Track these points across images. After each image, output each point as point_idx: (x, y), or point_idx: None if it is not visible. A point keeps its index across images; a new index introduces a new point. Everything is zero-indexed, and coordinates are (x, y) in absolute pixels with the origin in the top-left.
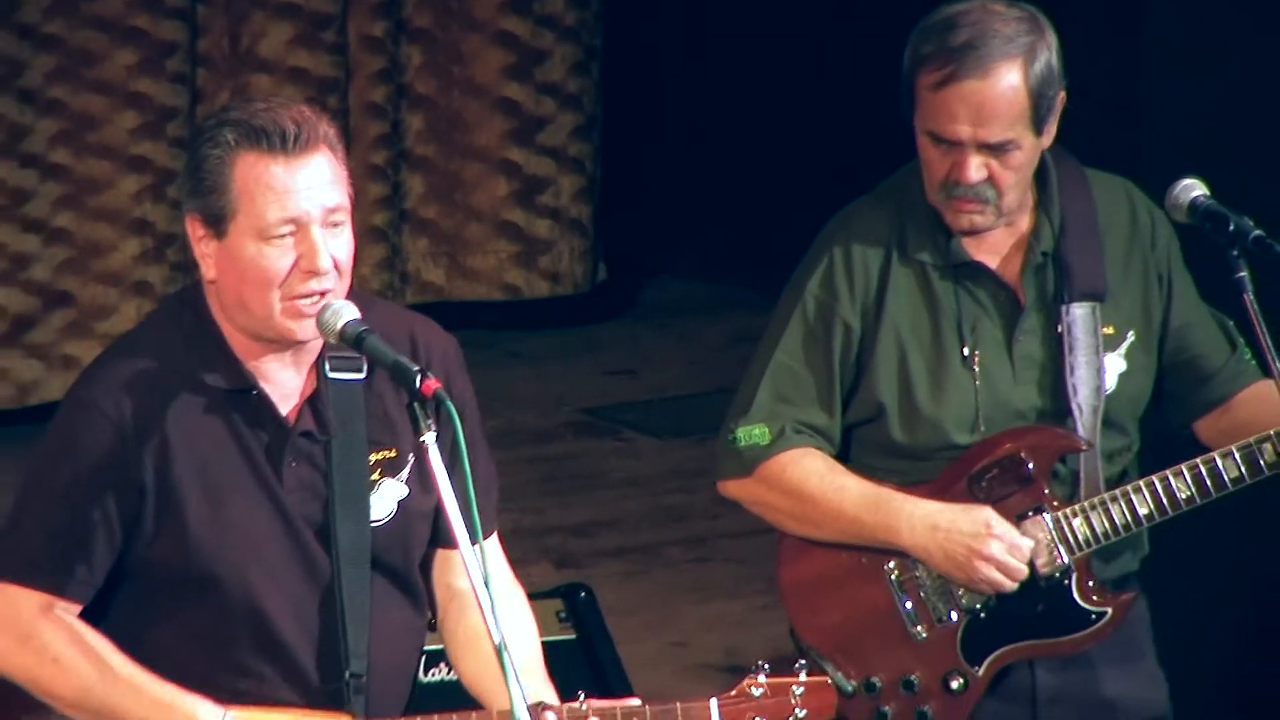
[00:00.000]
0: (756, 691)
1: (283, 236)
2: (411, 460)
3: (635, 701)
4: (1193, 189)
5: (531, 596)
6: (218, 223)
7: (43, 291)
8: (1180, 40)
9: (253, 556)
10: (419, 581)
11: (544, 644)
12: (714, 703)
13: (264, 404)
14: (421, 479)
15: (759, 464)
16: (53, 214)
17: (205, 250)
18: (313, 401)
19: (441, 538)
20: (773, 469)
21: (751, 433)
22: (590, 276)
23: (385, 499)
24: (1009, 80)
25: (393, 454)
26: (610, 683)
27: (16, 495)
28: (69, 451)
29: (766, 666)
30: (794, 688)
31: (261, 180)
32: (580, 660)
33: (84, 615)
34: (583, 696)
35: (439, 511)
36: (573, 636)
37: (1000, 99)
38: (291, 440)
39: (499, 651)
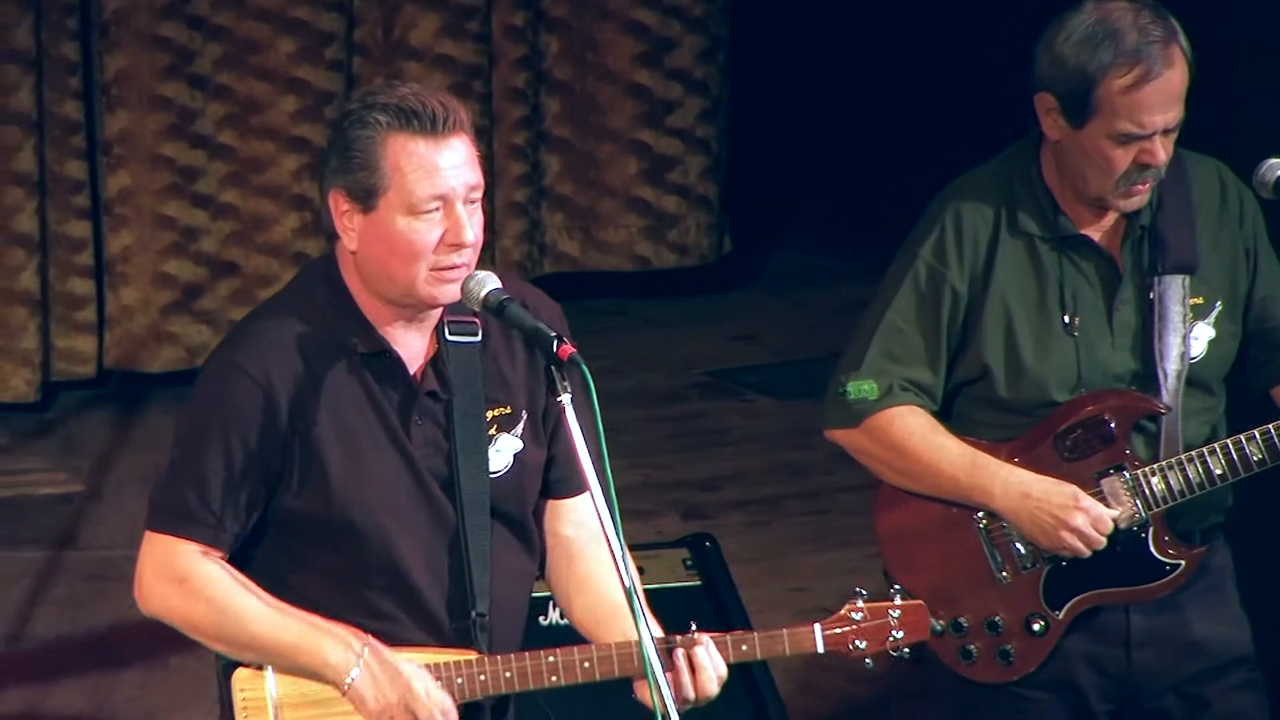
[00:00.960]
0: (857, 616)
1: (430, 212)
2: (525, 417)
3: None
4: (1278, 168)
5: (660, 546)
6: (367, 198)
7: (211, 262)
8: (1265, 27)
9: (386, 506)
10: (533, 528)
11: (672, 590)
12: (818, 627)
13: (396, 365)
14: (534, 434)
15: (866, 417)
16: (220, 190)
17: (349, 224)
18: (435, 363)
19: (551, 489)
20: (879, 422)
21: (861, 387)
22: (715, 249)
23: (503, 452)
24: (1183, 65)
25: (508, 411)
26: (734, 625)
27: (171, 452)
28: (218, 411)
29: (864, 593)
30: (891, 611)
31: (413, 159)
32: (705, 604)
33: (229, 563)
34: (694, 627)
35: (550, 464)
36: (698, 583)
37: (1182, 83)
38: (419, 399)
39: (629, 594)
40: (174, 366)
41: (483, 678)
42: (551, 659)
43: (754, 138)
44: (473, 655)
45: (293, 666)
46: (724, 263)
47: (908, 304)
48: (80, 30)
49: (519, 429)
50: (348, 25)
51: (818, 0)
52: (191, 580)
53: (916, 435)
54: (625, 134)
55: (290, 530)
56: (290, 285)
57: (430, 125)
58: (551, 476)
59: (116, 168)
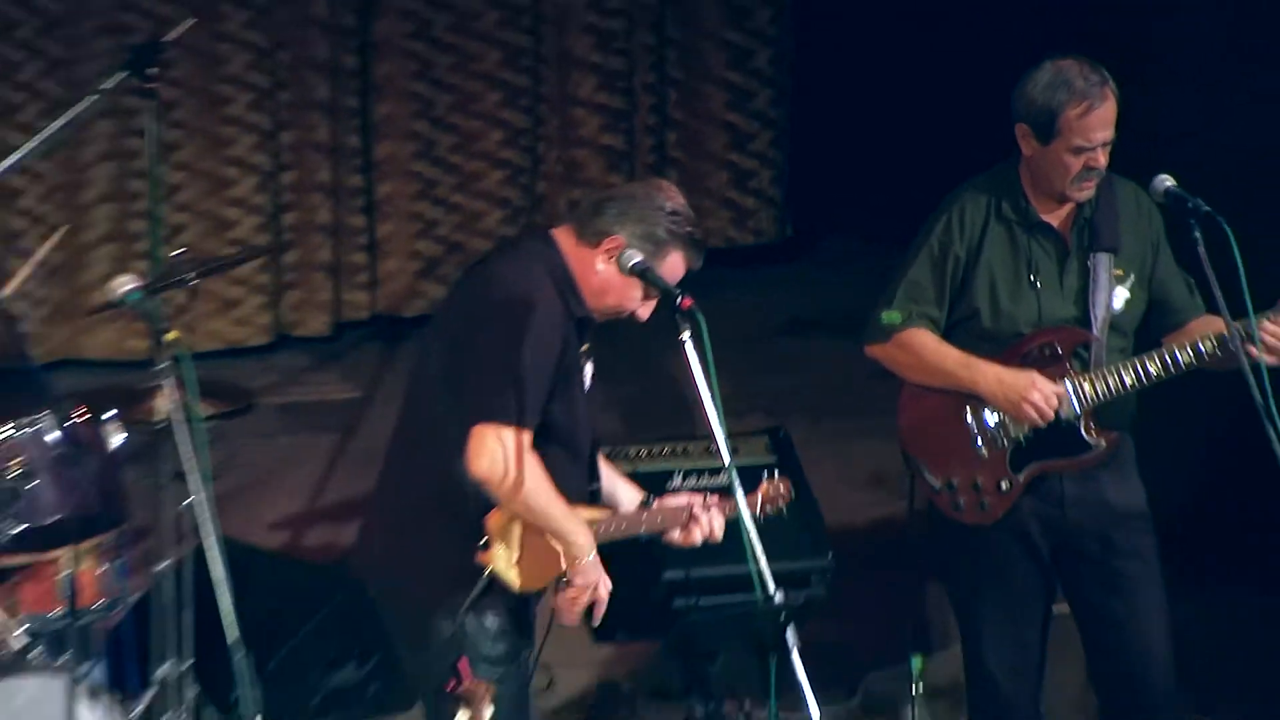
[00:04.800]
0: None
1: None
2: (590, 356)
3: (680, 500)
4: (1166, 180)
5: (751, 435)
6: (629, 263)
7: (445, 243)
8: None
9: (583, 414)
10: None
11: (758, 464)
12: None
13: (585, 327)
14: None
15: (894, 334)
16: (450, 195)
17: (603, 260)
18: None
19: None
20: (903, 339)
21: (891, 316)
22: (778, 230)
23: (587, 376)
24: (1113, 99)
25: (587, 348)
26: (799, 488)
27: (494, 366)
28: (540, 333)
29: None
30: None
31: (676, 273)
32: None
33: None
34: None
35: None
36: (775, 459)
37: (1114, 110)
38: (583, 352)
39: (730, 470)
40: (423, 312)
41: (624, 525)
42: (655, 506)
43: (815, 143)
44: (605, 512)
45: (547, 530)
46: (786, 243)
47: (925, 265)
48: (360, 88)
49: (590, 364)
50: (534, 81)
51: (880, 11)
52: (530, 458)
53: (929, 346)
54: (719, 156)
55: (541, 435)
56: (520, 254)
57: (697, 257)
58: None
59: (383, 180)
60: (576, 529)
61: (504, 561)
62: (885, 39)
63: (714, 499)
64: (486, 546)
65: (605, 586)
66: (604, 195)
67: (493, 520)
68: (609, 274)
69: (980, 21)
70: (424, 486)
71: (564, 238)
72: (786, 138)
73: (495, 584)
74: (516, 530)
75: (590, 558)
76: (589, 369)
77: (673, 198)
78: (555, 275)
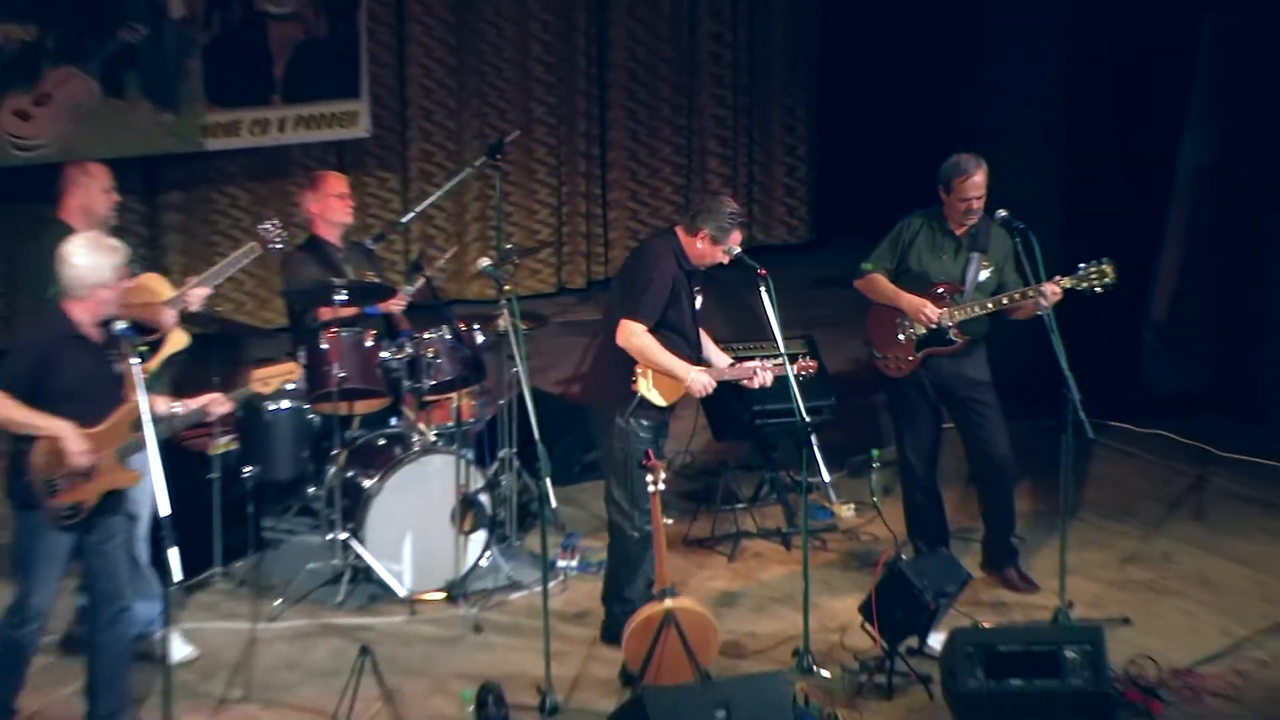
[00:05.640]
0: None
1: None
2: (699, 288)
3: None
4: (1002, 212)
5: (793, 338)
6: (714, 242)
7: (656, 215)
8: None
9: (692, 317)
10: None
11: (797, 353)
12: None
13: (697, 273)
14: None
15: (866, 276)
16: (651, 182)
17: (699, 239)
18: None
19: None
20: (871, 278)
21: (868, 265)
22: (809, 234)
23: (698, 302)
24: (985, 173)
25: (699, 289)
26: (823, 367)
27: (638, 289)
28: (659, 275)
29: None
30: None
31: (734, 241)
32: (815, 356)
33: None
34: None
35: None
36: (806, 350)
37: (985, 179)
38: (692, 281)
39: (784, 358)
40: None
41: (719, 375)
42: (735, 366)
43: (833, 163)
44: (710, 368)
45: (662, 371)
46: (812, 242)
47: (887, 244)
48: (600, 160)
49: (699, 291)
50: (688, 134)
51: (892, 48)
52: (649, 337)
53: (882, 282)
54: (779, 178)
55: (662, 325)
56: (657, 240)
57: (743, 232)
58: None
59: (612, 208)
60: (679, 368)
61: (645, 387)
62: (876, 114)
63: (767, 364)
64: (636, 380)
65: (711, 386)
66: (696, 207)
67: (640, 366)
68: (704, 248)
69: (934, 103)
70: (609, 353)
71: (679, 230)
72: (814, 178)
73: (643, 401)
74: (652, 372)
75: (690, 379)
76: (699, 299)
77: (730, 205)
78: (674, 249)
